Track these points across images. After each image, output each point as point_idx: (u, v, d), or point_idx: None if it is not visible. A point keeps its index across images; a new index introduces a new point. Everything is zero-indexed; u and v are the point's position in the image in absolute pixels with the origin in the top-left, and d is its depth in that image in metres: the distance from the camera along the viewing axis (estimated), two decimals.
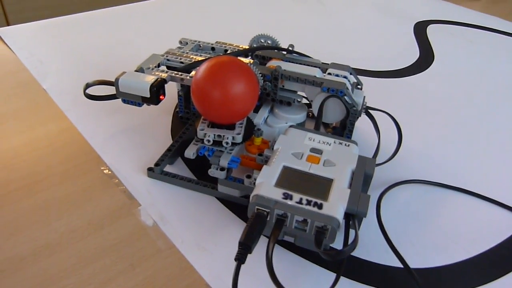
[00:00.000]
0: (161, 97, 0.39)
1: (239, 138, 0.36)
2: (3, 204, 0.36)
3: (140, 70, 0.41)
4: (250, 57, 0.46)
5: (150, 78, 0.39)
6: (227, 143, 0.36)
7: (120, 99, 0.41)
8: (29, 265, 0.32)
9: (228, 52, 0.46)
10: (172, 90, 0.50)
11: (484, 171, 0.44)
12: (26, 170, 0.40)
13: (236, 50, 0.46)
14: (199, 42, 0.48)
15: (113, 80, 0.40)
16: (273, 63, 0.43)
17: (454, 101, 0.55)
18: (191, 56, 0.44)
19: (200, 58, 0.43)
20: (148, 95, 0.38)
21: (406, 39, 0.72)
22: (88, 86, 0.42)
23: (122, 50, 0.62)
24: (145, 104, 0.40)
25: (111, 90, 0.41)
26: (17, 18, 1.32)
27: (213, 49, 0.47)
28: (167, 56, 0.44)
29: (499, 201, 0.40)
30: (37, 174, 0.40)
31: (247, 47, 0.46)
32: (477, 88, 0.59)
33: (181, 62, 0.43)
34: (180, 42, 0.48)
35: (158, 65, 0.43)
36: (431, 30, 0.76)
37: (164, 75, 0.40)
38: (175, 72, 0.41)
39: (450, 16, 0.82)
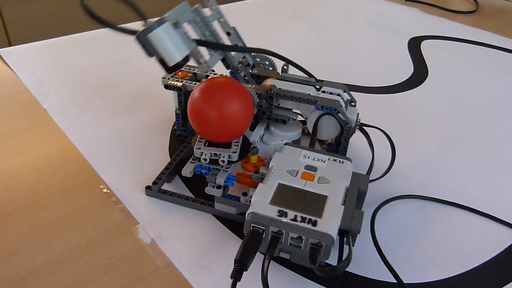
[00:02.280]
0: (177, 71, 0.37)
1: (235, 157, 0.37)
2: (3, 223, 0.37)
3: (176, 24, 0.36)
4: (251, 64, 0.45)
5: (183, 49, 0.35)
6: (223, 161, 0.37)
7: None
8: (29, 284, 0.32)
9: (238, 46, 0.44)
10: (169, 108, 0.51)
11: (477, 186, 0.44)
12: (26, 189, 0.41)
13: (244, 46, 0.44)
14: (222, 15, 0.44)
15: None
16: (268, 82, 0.44)
17: (448, 117, 0.56)
18: (211, 37, 0.41)
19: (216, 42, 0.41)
20: (170, 65, 0.35)
21: (400, 55, 0.73)
22: None
23: (122, 70, 0.63)
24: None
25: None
26: (19, 37, 1.34)
27: (228, 33, 0.45)
28: (195, 16, 0.40)
29: (492, 215, 0.40)
30: (37, 194, 0.40)
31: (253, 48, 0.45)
32: (471, 103, 0.60)
33: (204, 34, 0.41)
34: (207, 1, 0.44)
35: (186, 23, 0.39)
36: (425, 45, 0.77)
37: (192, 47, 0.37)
38: (197, 50, 0.38)
39: (443, 31, 0.84)
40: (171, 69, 0.35)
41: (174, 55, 0.34)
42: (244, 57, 0.46)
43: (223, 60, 0.43)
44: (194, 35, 0.40)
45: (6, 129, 0.49)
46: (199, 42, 0.39)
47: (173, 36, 0.35)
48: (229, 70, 0.44)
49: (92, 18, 0.35)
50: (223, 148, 0.37)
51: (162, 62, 0.35)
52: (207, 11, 0.43)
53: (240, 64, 0.45)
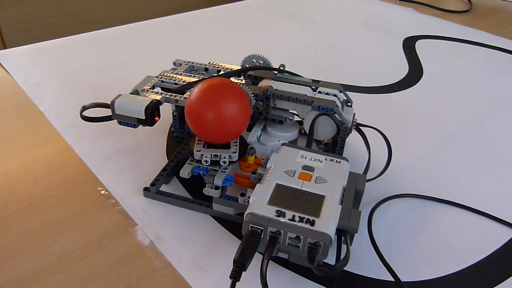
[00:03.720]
0: (156, 118, 0.40)
1: (235, 157, 0.37)
2: (1, 227, 0.37)
3: (135, 92, 0.42)
4: (242, 77, 0.47)
5: (145, 101, 0.40)
6: (224, 162, 0.37)
7: (116, 121, 0.41)
8: (28, 287, 0.32)
9: (221, 72, 0.47)
10: (166, 110, 0.51)
11: (473, 184, 0.45)
12: (24, 192, 0.41)
13: (229, 70, 0.47)
14: (192, 63, 0.49)
15: (108, 102, 0.41)
16: (264, 83, 0.44)
17: (443, 116, 0.56)
18: (184, 78, 0.45)
19: (193, 80, 0.44)
20: (143, 117, 0.39)
21: (395, 55, 0.73)
22: (84, 108, 0.43)
23: (118, 72, 0.63)
24: (140, 125, 0.40)
25: (107, 112, 0.42)
26: (14, 40, 1.34)
27: (206, 69, 0.49)
28: (161, 78, 0.45)
29: (488, 213, 0.41)
30: (35, 196, 0.40)
31: (239, 67, 0.47)
32: (466, 102, 0.60)
33: (175, 84, 0.44)
34: (174, 64, 0.49)
35: (153, 87, 0.44)
36: (419, 45, 0.78)
37: (158, 97, 0.41)
38: (170, 93, 0.42)
39: (438, 31, 0.84)
40: (147, 121, 0.40)
41: (138, 109, 0.39)
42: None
43: None
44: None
45: (2, 132, 0.49)
46: (175, 91, 0.43)
47: (131, 99, 0.40)
48: None
49: (91, 121, 0.44)
50: (222, 149, 0.37)
51: (140, 121, 0.40)
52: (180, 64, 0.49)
53: None
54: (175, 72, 0.47)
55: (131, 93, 0.42)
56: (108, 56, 0.67)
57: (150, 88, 0.43)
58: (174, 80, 0.45)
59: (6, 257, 0.34)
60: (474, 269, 0.35)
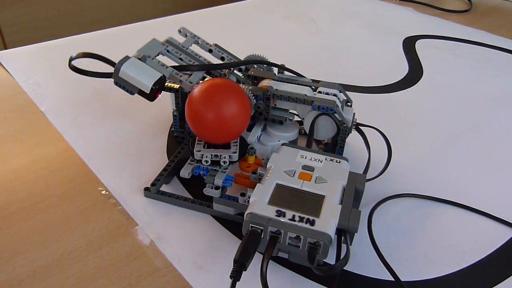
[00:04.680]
0: (158, 94, 0.39)
1: (235, 157, 0.37)
2: (2, 226, 0.37)
3: (143, 58, 0.39)
4: (243, 72, 0.46)
5: (154, 75, 0.38)
6: (224, 162, 0.37)
7: (108, 79, 0.39)
8: (29, 286, 0.32)
9: (225, 60, 0.46)
10: (167, 110, 0.51)
11: (473, 184, 0.45)
12: (24, 192, 0.41)
13: (232, 60, 0.46)
14: (198, 38, 0.46)
15: (97, 53, 0.39)
16: (265, 83, 0.44)
17: (443, 115, 0.57)
18: (188, 59, 0.43)
19: (196, 64, 0.42)
20: (147, 92, 0.37)
21: (395, 55, 0.74)
22: (71, 59, 0.40)
23: None
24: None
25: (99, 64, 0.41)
26: (14, 40, 1.34)
27: (210, 51, 0.46)
28: (167, 47, 0.43)
29: (488, 213, 0.41)
30: (36, 196, 0.40)
31: (241, 59, 0.46)
32: (466, 102, 0.60)
33: (180, 59, 0.43)
34: (180, 32, 0.46)
35: (158, 54, 0.42)
36: (419, 45, 0.78)
37: (165, 72, 0.39)
38: (176, 71, 0.40)
39: (438, 30, 0.84)
40: (150, 96, 0.38)
41: (146, 82, 0.37)
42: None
43: (209, 73, 0.44)
44: (173, 63, 0.42)
45: (3, 132, 0.49)
46: (179, 68, 0.41)
47: (140, 67, 0.38)
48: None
49: (79, 73, 0.41)
50: (222, 149, 0.37)
51: (141, 93, 0.38)
52: (182, 38, 0.46)
53: (228, 70, 0.45)
54: (181, 45, 0.44)
55: (138, 58, 0.39)
56: (108, 56, 0.67)
57: (156, 56, 0.41)
58: (180, 55, 0.43)
59: (7, 257, 0.34)
60: (474, 269, 0.35)
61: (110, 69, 0.40)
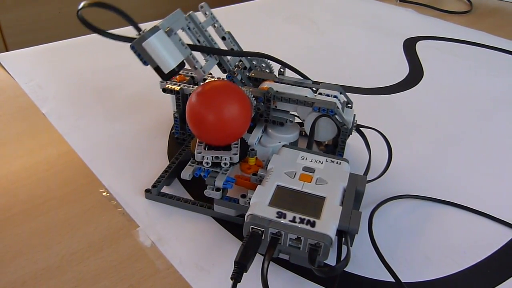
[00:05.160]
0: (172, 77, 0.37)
1: (236, 158, 0.37)
2: (4, 228, 0.37)
3: (169, 32, 0.37)
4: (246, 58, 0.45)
5: (178, 56, 0.36)
6: (225, 163, 0.37)
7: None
8: None
9: (234, 50, 0.45)
10: (168, 112, 0.51)
11: (473, 185, 0.45)
12: (26, 194, 0.41)
13: (239, 50, 0.45)
14: (216, 21, 0.45)
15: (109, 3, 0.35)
16: (265, 85, 0.44)
17: (443, 117, 0.57)
18: (205, 43, 0.42)
19: (215, 48, 0.42)
20: (166, 72, 0.36)
21: (396, 56, 0.74)
22: (80, 8, 0.35)
23: (121, 74, 0.63)
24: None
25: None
26: (15, 41, 1.34)
27: (223, 38, 0.45)
28: (189, 23, 0.41)
29: (489, 214, 0.41)
30: (37, 198, 0.40)
31: (249, 51, 0.45)
32: (466, 103, 0.60)
33: (198, 40, 0.42)
34: (201, 7, 0.44)
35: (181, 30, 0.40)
36: (420, 46, 0.78)
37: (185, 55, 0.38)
38: (193, 55, 0.39)
39: (438, 32, 0.84)
40: (166, 76, 0.36)
41: (169, 62, 0.35)
42: (240, 61, 0.47)
43: (219, 65, 0.44)
44: (188, 41, 0.40)
45: (5, 134, 0.49)
46: (194, 48, 0.39)
47: (167, 43, 0.35)
48: (226, 74, 0.44)
49: (89, 27, 0.35)
50: (223, 150, 0.38)
51: (158, 69, 0.35)
52: (201, 17, 0.43)
53: (237, 68, 0.45)
54: (201, 24, 0.42)
55: (165, 32, 0.36)
56: (110, 58, 0.68)
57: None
58: (199, 35, 0.42)
59: (9, 259, 0.34)
60: (475, 270, 0.35)
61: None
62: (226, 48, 0.45)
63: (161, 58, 0.35)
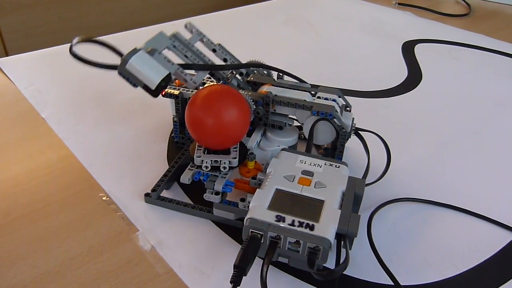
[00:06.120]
0: (162, 92, 0.38)
1: (235, 162, 0.37)
2: (4, 233, 0.37)
3: (151, 52, 0.38)
4: (244, 75, 0.46)
5: (161, 72, 0.37)
6: (224, 167, 0.37)
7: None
8: None
9: (228, 62, 0.46)
10: (167, 115, 0.52)
11: (472, 188, 0.45)
12: (26, 198, 0.41)
13: (233, 62, 0.46)
14: (203, 36, 0.45)
15: (95, 38, 0.38)
16: (264, 89, 0.44)
17: (442, 120, 0.57)
18: (193, 58, 0.42)
19: (200, 63, 0.42)
20: (153, 88, 0.37)
21: (394, 59, 0.74)
22: (73, 44, 0.39)
23: (120, 78, 0.63)
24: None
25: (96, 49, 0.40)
26: (15, 46, 1.34)
27: (214, 50, 0.46)
28: (174, 41, 0.42)
29: (487, 216, 0.41)
30: (37, 202, 0.41)
31: (244, 62, 0.46)
32: (465, 106, 0.60)
33: (185, 56, 0.42)
34: (186, 27, 0.45)
35: (164, 49, 0.41)
36: (418, 49, 0.78)
37: (171, 69, 0.39)
38: (181, 69, 0.40)
39: (437, 35, 0.85)
40: (154, 93, 0.37)
41: (153, 78, 0.36)
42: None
43: (212, 74, 0.44)
44: (177, 58, 0.42)
45: (5, 139, 0.50)
46: (184, 66, 0.40)
47: (149, 61, 0.37)
48: (220, 82, 0.45)
49: (81, 61, 0.40)
50: (222, 154, 0.38)
51: (146, 88, 0.37)
52: (188, 34, 0.44)
53: (231, 74, 0.45)
54: (187, 41, 0.43)
55: (147, 52, 0.38)
56: (109, 62, 0.68)
57: (163, 50, 0.40)
58: (185, 52, 0.42)
59: (9, 263, 0.35)
60: (474, 273, 0.35)
61: (111, 58, 0.39)
62: (218, 57, 0.46)
63: (145, 75, 0.36)
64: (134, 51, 0.37)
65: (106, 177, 0.44)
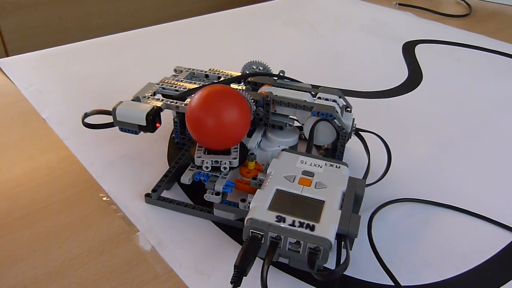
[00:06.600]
0: (157, 124, 0.41)
1: (235, 163, 0.37)
2: (4, 233, 0.37)
3: (136, 99, 0.43)
4: (242, 83, 0.47)
5: (146, 107, 0.40)
6: (225, 168, 0.37)
7: (117, 128, 0.42)
8: None
9: (221, 79, 0.47)
10: (168, 116, 0.51)
11: (473, 189, 0.45)
12: (26, 199, 0.41)
13: (229, 77, 0.47)
14: (193, 70, 0.49)
15: (110, 109, 0.41)
16: (264, 89, 0.44)
17: (443, 120, 0.57)
18: (185, 84, 0.45)
19: (193, 86, 0.45)
20: (144, 124, 0.40)
21: (395, 60, 0.74)
22: (86, 115, 0.43)
23: (120, 78, 0.63)
24: (142, 132, 0.41)
25: (108, 119, 0.42)
26: (16, 47, 1.35)
27: (206, 76, 0.49)
28: (162, 85, 0.45)
29: (487, 217, 0.41)
30: (37, 203, 0.41)
31: (239, 73, 0.48)
32: (465, 106, 0.60)
33: (176, 90, 0.45)
34: (175, 70, 0.50)
35: (154, 94, 0.44)
36: (419, 50, 0.78)
37: (159, 103, 0.42)
38: (170, 100, 0.43)
39: (437, 35, 0.85)
40: (147, 128, 0.40)
41: (139, 116, 0.40)
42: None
43: None
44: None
45: (5, 139, 0.50)
46: (179, 96, 0.43)
47: (133, 105, 0.41)
48: None
49: (93, 128, 0.44)
50: (223, 155, 0.38)
51: (141, 127, 0.40)
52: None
53: None
54: (176, 79, 0.47)
55: (132, 100, 0.42)
56: (109, 63, 0.68)
57: (151, 95, 0.44)
58: (175, 87, 0.45)
59: (9, 264, 0.35)
60: (474, 273, 0.35)
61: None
62: (211, 80, 0.49)
63: (133, 116, 0.40)
64: (120, 102, 0.41)
65: (106, 177, 0.44)
